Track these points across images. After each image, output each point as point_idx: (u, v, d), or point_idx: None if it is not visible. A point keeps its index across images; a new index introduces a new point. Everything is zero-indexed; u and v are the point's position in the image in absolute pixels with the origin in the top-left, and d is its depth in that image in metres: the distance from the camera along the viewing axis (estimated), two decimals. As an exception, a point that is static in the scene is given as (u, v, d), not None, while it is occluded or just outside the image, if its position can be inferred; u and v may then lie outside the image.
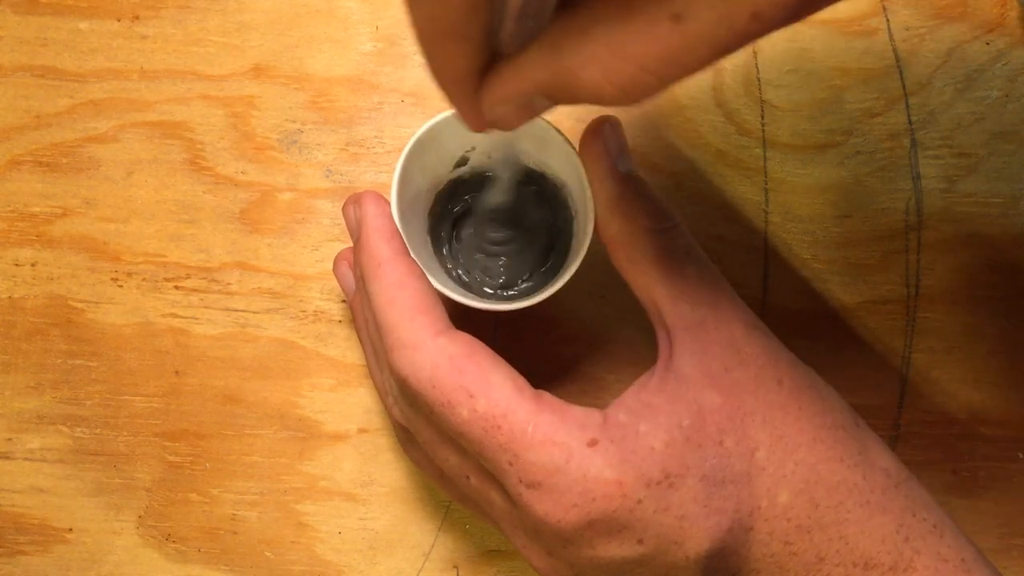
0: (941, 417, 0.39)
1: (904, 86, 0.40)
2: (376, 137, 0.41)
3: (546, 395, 0.28)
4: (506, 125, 0.24)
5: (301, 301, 0.40)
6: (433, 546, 0.39)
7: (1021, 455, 0.39)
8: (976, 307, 0.39)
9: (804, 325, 0.39)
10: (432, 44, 0.21)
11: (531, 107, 0.23)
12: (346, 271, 0.36)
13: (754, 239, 0.40)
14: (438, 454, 0.30)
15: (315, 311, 0.40)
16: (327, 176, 0.41)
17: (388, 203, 0.32)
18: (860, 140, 0.40)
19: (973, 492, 0.39)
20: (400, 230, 0.31)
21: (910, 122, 0.40)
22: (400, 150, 0.33)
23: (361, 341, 0.35)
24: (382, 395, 0.33)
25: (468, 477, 0.30)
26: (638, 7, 0.19)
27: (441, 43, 0.21)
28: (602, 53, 0.20)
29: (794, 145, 0.40)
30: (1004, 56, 0.40)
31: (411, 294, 0.29)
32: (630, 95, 0.20)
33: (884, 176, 0.40)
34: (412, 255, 0.31)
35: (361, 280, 0.31)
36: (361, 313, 0.34)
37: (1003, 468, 0.39)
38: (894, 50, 0.40)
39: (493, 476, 0.28)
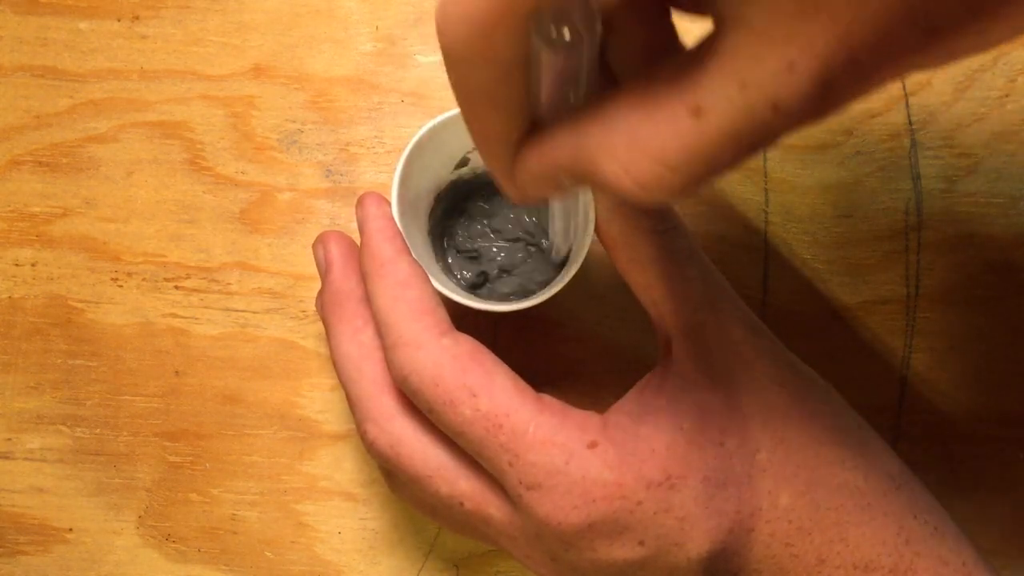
0: (941, 417, 0.39)
1: (904, 86, 0.40)
2: (376, 137, 0.41)
3: (547, 398, 0.28)
4: (535, 200, 0.24)
5: (301, 301, 0.40)
6: (433, 546, 0.39)
7: (1021, 455, 0.39)
8: (976, 307, 0.39)
9: (804, 325, 0.39)
10: (470, 109, 0.21)
11: (560, 185, 0.22)
12: (320, 254, 0.34)
13: (754, 239, 0.40)
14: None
15: (315, 311, 0.40)
16: (327, 176, 0.41)
17: (389, 203, 0.32)
18: (860, 140, 0.40)
19: (973, 492, 0.39)
20: (401, 230, 0.32)
21: (910, 122, 0.40)
22: (400, 150, 0.33)
23: (327, 327, 0.33)
24: (364, 398, 0.31)
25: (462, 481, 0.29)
26: (659, 99, 0.18)
27: (478, 108, 0.21)
28: (621, 145, 0.19)
29: (794, 145, 0.40)
30: (1004, 56, 0.40)
31: (415, 294, 0.29)
32: (651, 192, 0.19)
33: (884, 176, 0.40)
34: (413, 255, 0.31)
35: (333, 270, 0.32)
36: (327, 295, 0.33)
37: (1003, 468, 0.39)
38: (894, 50, 0.40)
39: (488, 488, 0.28)
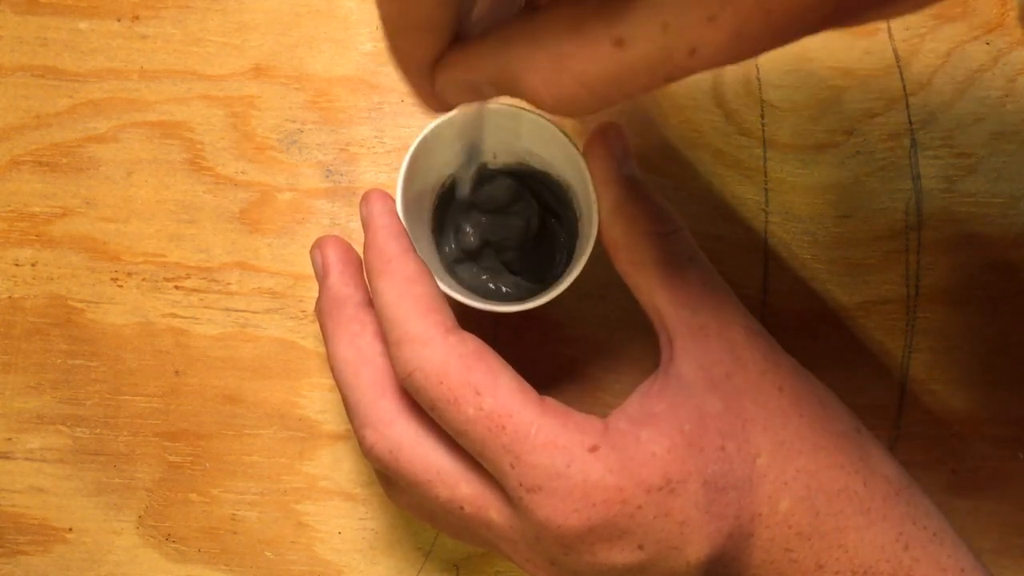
0: (941, 417, 0.39)
1: (904, 86, 0.40)
2: (376, 137, 0.41)
3: (550, 400, 0.28)
4: (453, 102, 0.25)
5: (301, 301, 0.40)
6: (433, 546, 0.39)
7: (1021, 455, 0.39)
8: (976, 307, 0.39)
9: (804, 325, 0.39)
10: (399, 34, 0.22)
11: (479, 91, 0.24)
12: (318, 259, 0.34)
13: (754, 239, 0.40)
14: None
15: (315, 311, 0.40)
16: (327, 176, 0.41)
17: (394, 200, 0.32)
18: (860, 140, 0.40)
19: (973, 492, 0.39)
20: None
21: (910, 122, 0.40)
22: (400, 150, 0.33)
23: (325, 332, 0.32)
24: (363, 401, 0.30)
25: (462, 482, 0.29)
26: (585, 26, 0.20)
27: (408, 33, 0.22)
28: (544, 63, 0.21)
29: (794, 145, 0.40)
30: (1004, 56, 0.40)
31: (421, 291, 0.29)
32: (567, 107, 0.21)
33: (884, 176, 0.40)
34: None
35: (331, 271, 0.32)
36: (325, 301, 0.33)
37: (1003, 468, 0.39)
38: (894, 50, 0.40)
39: (489, 491, 0.28)
